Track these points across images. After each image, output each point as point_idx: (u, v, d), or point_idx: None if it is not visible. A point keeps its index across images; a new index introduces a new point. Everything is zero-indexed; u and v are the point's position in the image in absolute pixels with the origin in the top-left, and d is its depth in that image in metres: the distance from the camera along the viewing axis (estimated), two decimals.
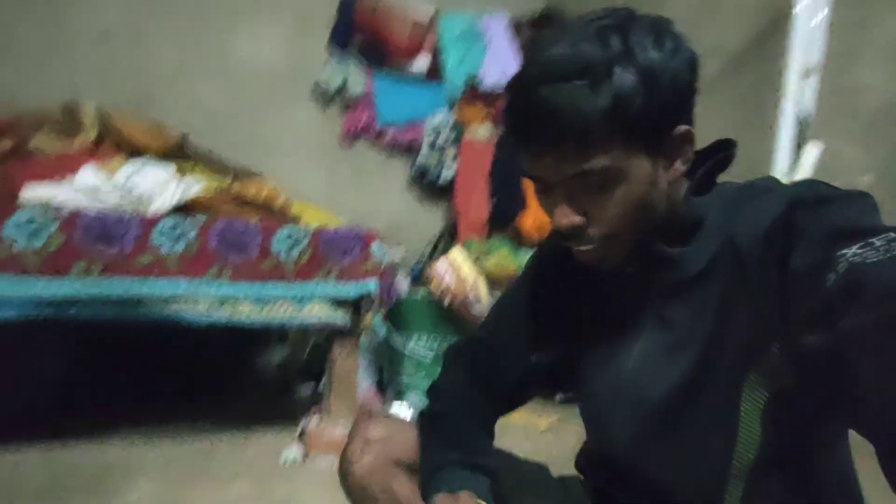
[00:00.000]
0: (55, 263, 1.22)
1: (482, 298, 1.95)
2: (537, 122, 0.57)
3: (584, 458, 0.82)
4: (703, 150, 0.68)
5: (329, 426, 1.58)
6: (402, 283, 2.02)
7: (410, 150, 3.01)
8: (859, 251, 0.46)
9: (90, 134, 1.92)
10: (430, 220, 3.17)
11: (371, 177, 3.00)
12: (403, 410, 1.81)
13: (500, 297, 0.92)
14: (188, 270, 1.35)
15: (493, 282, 2.70)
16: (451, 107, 2.97)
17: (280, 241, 1.47)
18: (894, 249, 0.45)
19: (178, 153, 2.09)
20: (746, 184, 0.65)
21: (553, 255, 0.81)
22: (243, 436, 1.68)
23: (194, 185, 1.68)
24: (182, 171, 1.98)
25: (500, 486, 0.80)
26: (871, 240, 0.46)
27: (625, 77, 0.54)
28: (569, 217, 0.60)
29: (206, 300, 1.38)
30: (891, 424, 0.42)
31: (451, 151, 2.99)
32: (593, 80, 0.55)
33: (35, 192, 1.35)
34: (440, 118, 2.96)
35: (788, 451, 0.61)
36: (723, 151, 0.69)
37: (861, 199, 0.54)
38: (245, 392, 2.15)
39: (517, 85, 0.60)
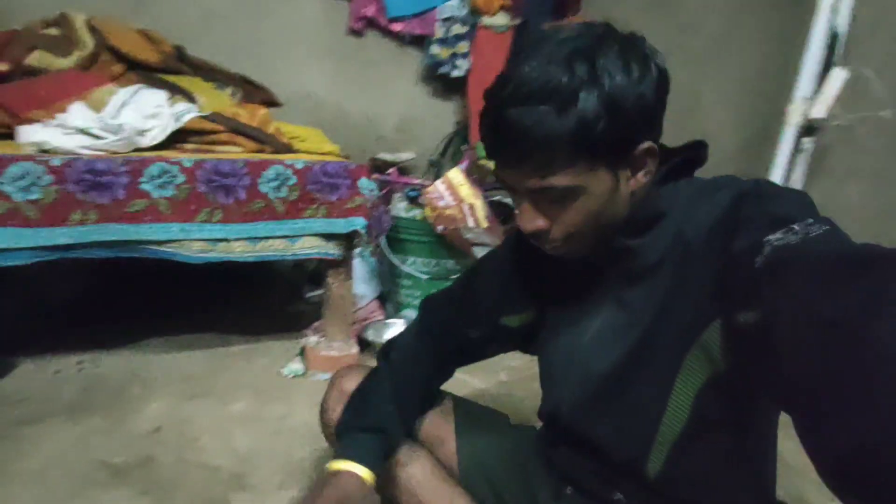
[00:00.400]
0: (53, 214, 1.29)
1: (480, 222, 1.98)
2: (504, 140, 0.63)
3: (540, 414, 0.93)
4: (675, 149, 0.73)
5: (325, 345, 1.73)
6: (400, 204, 2.05)
7: (422, 42, 2.84)
8: (782, 236, 0.52)
9: (87, 48, 1.89)
10: (443, 117, 3.08)
11: (381, 72, 2.88)
12: (399, 327, 1.95)
13: (479, 258, 1.00)
14: (179, 215, 1.42)
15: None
16: None
17: (267, 182, 1.50)
18: (811, 232, 0.51)
19: (175, 66, 2.05)
20: (708, 181, 0.69)
21: None
22: (252, 348, 1.86)
23: (186, 114, 1.68)
24: (178, 87, 1.97)
25: (457, 428, 0.97)
26: (792, 226, 0.52)
27: (589, 102, 0.59)
28: (532, 222, 0.67)
29: (200, 241, 1.45)
30: (807, 399, 0.44)
31: (465, 45, 2.81)
32: (559, 105, 0.59)
33: (29, 137, 1.39)
34: (452, 7, 2.75)
35: (715, 430, 0.68)
36: (694, 151, 0.73)
37: (799, 196, 0.59)
38: (260, 297, 2.32)
39: (489, 101, 0.65)
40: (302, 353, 1.78)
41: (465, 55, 2.81)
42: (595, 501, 0.81)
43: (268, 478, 1.26)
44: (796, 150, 1.73)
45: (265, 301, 2.29)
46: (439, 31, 2.76)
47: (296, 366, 1.74)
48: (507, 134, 0.62)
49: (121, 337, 1.82)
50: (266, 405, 1.55)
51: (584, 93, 0.59)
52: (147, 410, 1.48)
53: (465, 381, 1.73)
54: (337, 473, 0.80)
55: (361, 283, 2.19)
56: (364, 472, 0.80)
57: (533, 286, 0.89)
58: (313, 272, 2.33)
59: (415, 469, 0.94)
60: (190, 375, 1.67)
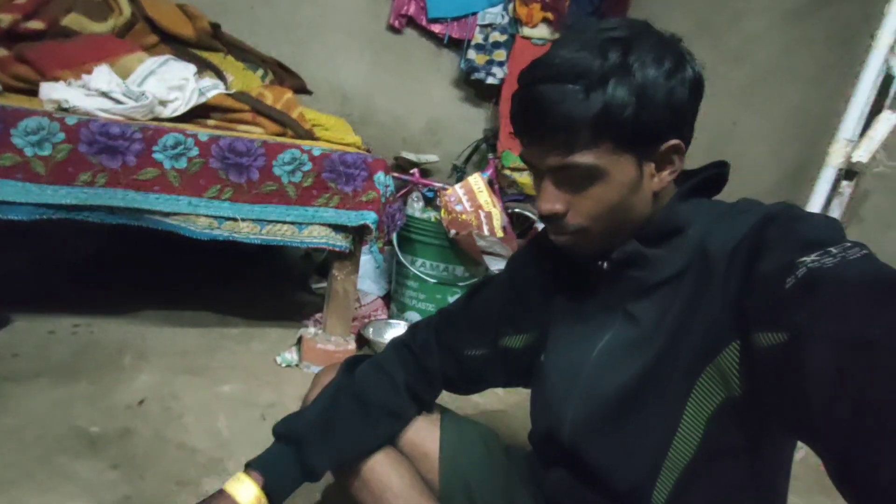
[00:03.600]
0: (62, 172, 1.28)
1: (495, 231, 1.93)
2: (532, 116, 0.64)
3: (533, 435, 0.89)
4: (696, 170, 0.72)
5: (322, 339, 1.69)
6: (416, 203, 2.01)
7: (459, 45, 2.82)
8: (817, 258, 0.50)
9: (123, 16, 1.90)
10: (472, 122, 3.05)
11: (415, 71, 2.86)
12: (400, 329, 1.90)
13: (481, 279, 0.96)
14: (189, 188, 1.39)
15: (527, 197, 2.65)
16: (507, 2, 2.70)
17: (282, 165, 1.47)
18: (849, 255, 0.49)
19: (209, 43, 2.04)
20: (732, 203, 0.68)
21: (540, 246, 0.87)
22: (250, 332, 1.83)
23: (211, 89, 1.67)
24: (209, 63, 1.96)
25: (442, 444, 0.91)
26: (829, 248, 0.51)
27: (618, 88, 0.59)
28: (551, 203, 0.67)
29: (207, 217, 1.43)
30: (837, 427, 0.43)
31: (502, 53, 2.78)
32: (587, 86, 0.60)
33: (49, 94, 1.39)
34: (494, 14, 2.72)
35: (726, 458, 0.65)
36: (716, 171, 0.72)
37: (831, 221, 0.58)
38: (266, 282, 2.30)
39: (522, 79, 0.65)
40: (299, 343, 1.74)
41: (501, 63, 2.78)
42: None
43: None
44: (834, 192, 1.64)
45: (270, 286, 2.26)
46: (478, 37, 2.74)
47: (291, 355, 1.70)
48: (534, 110, 0.63)
49: (120, 304, 1.81)
50: (255, 391, 1.52)
51: (615, 79, 0.59)
52: (135, 382, 1.46)
53: (476, 402, 1.66)
54: (221, 494, 0.76)
55: (369, 280, 2.15)
56: (252, 493, 0.77)
57: (537, 306, 0.85)
58: (322, 263, 2.30)
59: (392, 480, 0.88)
60: (184, 351, 1.64)
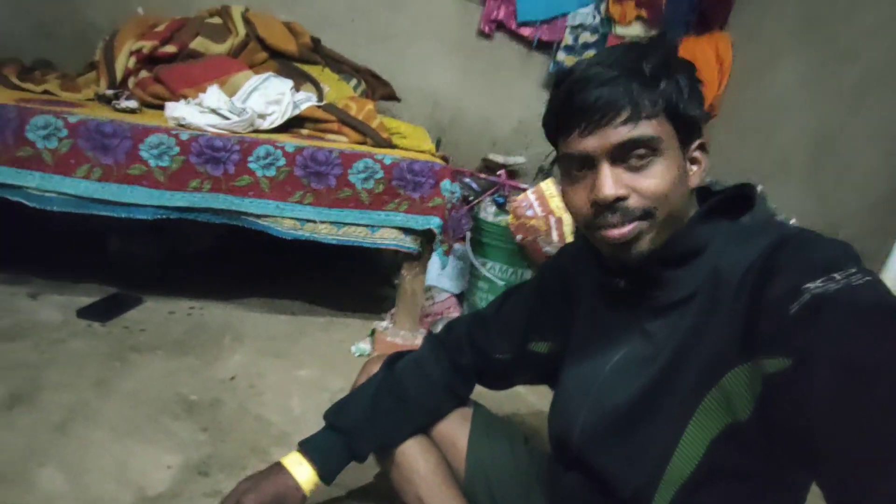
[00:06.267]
0: (176, 179, 1.53)
1: (564, 237, 1.95)
2: (591, 102, 0.65)
3: (549, 438, 0.94)
4: (718, 190, 0.75)
5: (392, 332, 1.84)
6: (489, 208, 2.08)
7: (549, 47, 2.83)
8: (821, 284, 0.51)
9: (238, 37, 2.16)
10: None
11: (504, 74, 2.91)
12: None
13: (511, 287, 1.04)
14: (277, 193, 1.59)
15: None
16: (599, 2, 2.66)
17: (357, 173, 1.62)
18: (853, 281, 0.50)
19: (310, 57, 2.26)
20: (751, 224, 0.69)
21: (567, 258, 0.93)
22: (332, 322, 2.02)
23: (304, 102, 1.87)
24: (309, 76, 2.17)
25: (471, 437, 1.01)
26: (833, 274, 0.51)
27: (670, 83, 0.65)
28: (612, 187, 0.66)
29: (291, 219, 1.62)
30: (834, 450, 0.45)
31: (592, 54, 2.74)
32: (641, 72, 0.65)
33: (172, 112, 1.65)
34: (585, 14, 2.70)
35: (728, 479, 0.67)
36: (740, 192, 0.73)
37: (843, 246, 0.58)
38: (352, 277, 2.50)
39: (566, 79, 0.69)
40: (372, 334, 1.90)
41: None
42: None
43: None
44: None
45: (356, 281, 2.46)
46: (568, 38, 2.73)
47: (364, 346, 1.86)
48: (595, 92, 0.65)
49: (228, 292, 2.08)
50: (328, 376, 1.69)
51: (665, 79, 0.65)
52: (230, 360, 1.69)
53: (521, 396, 1.73)
54: (281, 471, 0.90)
55: (446, 279, 2.27)
56: (308, 475, 0.90)
57: (561, 315, 0.90)
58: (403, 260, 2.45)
59: (420, 464, 0.99)
60: (273, 336, 1.87)
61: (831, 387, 0.45)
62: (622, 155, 0.65)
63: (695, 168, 0.70)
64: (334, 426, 0.96)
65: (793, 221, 1.86)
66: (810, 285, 0.51)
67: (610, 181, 0.66)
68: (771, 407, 0.55)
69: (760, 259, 0.60)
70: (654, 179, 0.65)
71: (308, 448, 0.94)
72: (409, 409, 0.98)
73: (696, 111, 0.67)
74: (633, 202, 0.66)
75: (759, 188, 1.87)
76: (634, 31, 2.67)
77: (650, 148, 0.65)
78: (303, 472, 0.91)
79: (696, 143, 0.69)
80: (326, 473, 0.93)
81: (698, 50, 2.67)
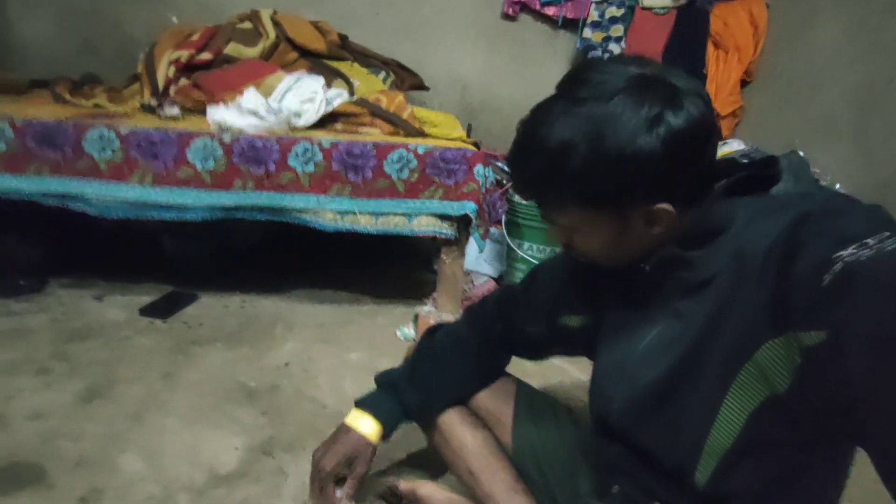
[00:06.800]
0: (222, 180, 1.61)
1: None
2: (516, 177, 0.73)
3: (590, 412, 0.97)
4: (742, 164, 0.75)
5: (435, 315, 1.89)
6: None
7: (575, 24, 2.80)
8: (854, 251, 0.50)
9: (269, 39, 2.23)
10: None
11: (532, 56, 2.91)
12: None
13: (541, 262, 1.07)
14: (317, 188, 1.66)
15: None
16: None
17: (392, 163, 1.67)
18: (886, 245, 0.49)
19: (338, 53, 2.32)
20: (774, 198, 0.69)
21: None
22: (377, 308, 2.09)
23: (336, 98, 1.93)
24: (340, 72, 2.23)
25: (516, 414, 1.06)
26: (865, 240, 0.50)
27: (575, 158, 0.64)
28: (552, 238, 0.77)
29: (331, 212, 1.68)
30: (879, 423, 0.45)
31: (619, 28, 2.71)
32: (550, 159, 0.66)
33: (213, 116, 1.73)
34: None
35: (773, 449, 0.68)
36: (764, 168, 0.74)
37: (871, 211, 0.56)
38: (394, 264, 2.56)
39: (515, 138, 0.73)
40: (415, 319, 1.96)
41: (618, 39, 2.71)
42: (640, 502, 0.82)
43: None
44: None
45: (397, 268, 2.52)
46: (593, 14, 2.70)
47: (408, 330, 1.92)
48: (518, 173, 0.72)
49: (276, 284, 2.17)
50: (377, 359, 1.76)
51: (575, 153, 0.64)
52: (283, 347, 1.78)
53: (565, 370, 1.76)
54: (348, 431, 0.99)
55: (485, 262, 2.31)
56: (371, 426, 0.99)
57: (592, 291, 0.91)
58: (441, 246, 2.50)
59: (468, 438, 1.04)
60: (322, 324, 1.95)
61: (867, 360, 0.45)
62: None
63: (655, 229, 0.69)
64: (382, 384, 1.08)
65: (837, 186, 1.82)
66: (843, 253, 0.50)
67: (550, 233, 0.76)
68: (810, 379, 0.55)
69: (783, 235, 0.59)
70: (581, 245, 0.73)
71: (365, 404, 1.04)
72: (447, 370, 1.06)
73: (612, 186, 0.65)
74: (575, 250, 0.76)
75: (801, 154, 1.84)
76: (663, 1, 2.63)
77: (568, 227, 0.71)
78: (366, 424, 1.01)
79: (650, 208, 0.66)
80: (386, 421, 1.03)
81: (731, 15, 2.60)
